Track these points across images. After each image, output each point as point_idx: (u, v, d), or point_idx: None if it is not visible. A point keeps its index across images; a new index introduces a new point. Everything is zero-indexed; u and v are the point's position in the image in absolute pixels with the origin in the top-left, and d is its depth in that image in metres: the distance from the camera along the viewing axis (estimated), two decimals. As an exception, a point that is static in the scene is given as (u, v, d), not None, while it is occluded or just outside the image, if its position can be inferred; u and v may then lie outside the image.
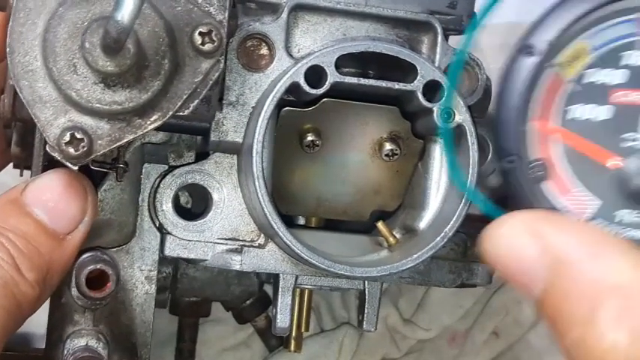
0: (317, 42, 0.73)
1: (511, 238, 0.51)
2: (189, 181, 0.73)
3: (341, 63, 0.71)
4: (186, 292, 0.93)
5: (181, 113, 0.63)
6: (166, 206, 0.72)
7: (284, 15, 0.71)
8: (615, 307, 0.47)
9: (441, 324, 1.09)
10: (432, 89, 0.71)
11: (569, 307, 0.48)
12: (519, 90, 0.57)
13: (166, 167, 0.74)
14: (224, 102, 0.71)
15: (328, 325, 1.10)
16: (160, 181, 0.73)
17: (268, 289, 0.97)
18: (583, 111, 0.56)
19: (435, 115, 0.70)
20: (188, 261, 0.76)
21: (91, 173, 0.74)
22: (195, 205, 0.78)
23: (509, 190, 0.58)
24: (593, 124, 0.55)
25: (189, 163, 0.74)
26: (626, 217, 0.55)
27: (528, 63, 0.56)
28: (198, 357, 1.01)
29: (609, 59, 0.56)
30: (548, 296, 0.49)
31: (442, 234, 0.70)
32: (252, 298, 0.97)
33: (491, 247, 0.52)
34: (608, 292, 0.47)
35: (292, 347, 0.89)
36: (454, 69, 0.62)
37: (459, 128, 0.70)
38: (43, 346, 0.72)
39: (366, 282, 0.77)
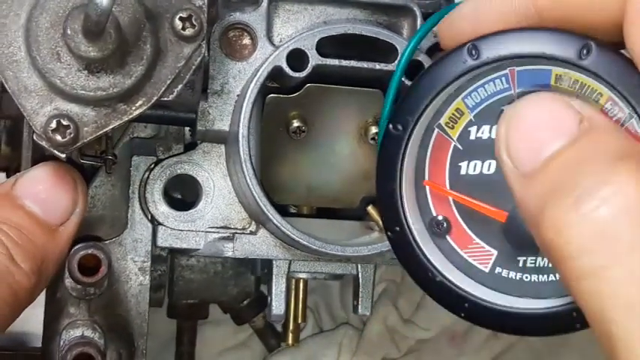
0: (298, 30, 0.74)
1: (544, 99, 0.50)
2: (178, 171, 0.74)
3: (324, 50, 0.72)
4: (183, 294, 0.93)
5: (166, 98, 0.63)
6: (157, 197, 0.73)
7: (264, 4, 0.73)
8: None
9: (441, 324, 1.09)
10: (412, 69, 0.71)
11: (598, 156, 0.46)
12: (391, 164, 0.59)
13: (155, 158, 0.74)
14: (209, 91, 0.72)
15: (327, 325, 1.10)
16: (150, 173, 0.73)
17: (266, 289, 0.97)
18: (471, 168, 0.58)
19: (417, 93, 0.71)
20: (181, 251, 0.77)
21: (84, 169, 0.75)
22: (188, 196, 0.79)
23: (398, 258, 0.61)
24: (483, 178, 0.58)
25: (177, 154, 0.74)
26: (527, 264, 0.57)
27: (397, 139, 0.59)
28: (198, 359, 1.01)
29: (488, 115, 0.58)
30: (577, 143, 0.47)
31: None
32: (249, 299, 0.97)
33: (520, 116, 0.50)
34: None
35: (290, 340, 0.89)
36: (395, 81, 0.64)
37: None
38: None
39: (359, 266, 0.78)
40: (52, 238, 0.66)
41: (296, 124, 0.75)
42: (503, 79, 0.57)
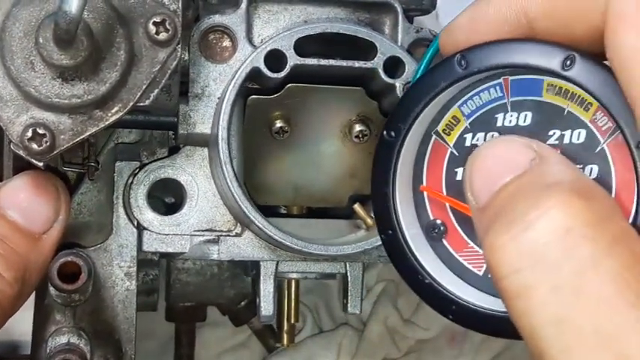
0: (279, 31, 0.74)
1: (502, 141, 0.53)
2: (162, 175, 0.74)
3: (305, 50, 0.71)
4: (181, 297, 0.94)
5: (142, 104, 0.63)
6: (141, 202, 0.73)
7: (243, 5, 0.72)
8: None
9: (441, 324, 1.09)
10: (392, 65, 0.72)
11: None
12: (384, 170, 0.61)
13: (138, 164, 0.75)
14: (189, 94, 0.72)
15: (327, 325, 1.10)
16: (133, 178, 0.73)
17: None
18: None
19: (398, 90, 0.71)
20: (167, 255, 0.77)
21: (67, 177, 0.75)
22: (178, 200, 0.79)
23: (390, 260, 0.63)
24: None
25: (161, 158, 0.74)
26: None
27: (390, 145, 0.60)
28: (198, 360, 1.02)
29: (483, 123, 0.59)
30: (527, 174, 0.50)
31: (415, 208, 0.70)
32: (246, 300, 0.98)
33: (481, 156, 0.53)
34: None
35: (285, 341, 0.89)
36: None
37: None
38: (31, 352, 0.73)
39: (348, 264, 0.78)
40: (35, 247, 0.66)
41: (279, 124, 0.75)
42: (497, 87, 0.58)
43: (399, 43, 0.74)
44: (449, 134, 0.60)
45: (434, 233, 0.61)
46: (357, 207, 0.76)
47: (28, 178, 0.67)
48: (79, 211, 0.75)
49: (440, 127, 0.60)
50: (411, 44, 0.75)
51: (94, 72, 0.61)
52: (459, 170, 0.60)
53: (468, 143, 0.59)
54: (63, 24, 0.57)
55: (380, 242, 0.71)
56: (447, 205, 0.60)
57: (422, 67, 0.64)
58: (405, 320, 1.07)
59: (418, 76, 0.63)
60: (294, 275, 0.80)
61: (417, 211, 0.62)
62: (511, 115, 0.58)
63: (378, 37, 0.72)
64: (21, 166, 0.68)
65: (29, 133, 0.60)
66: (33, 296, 0.72)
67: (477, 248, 0.60)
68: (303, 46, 0.71)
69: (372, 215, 0.76)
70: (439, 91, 0.58)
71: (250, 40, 0.73)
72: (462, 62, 0.57)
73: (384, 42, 0.71)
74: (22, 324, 0.73)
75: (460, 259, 0.60)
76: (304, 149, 0.77)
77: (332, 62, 0.71)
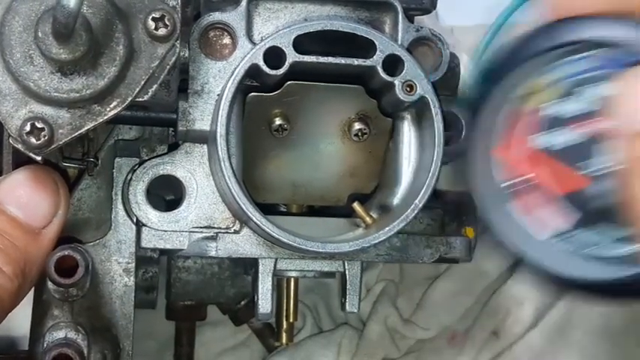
0: (279, 28, 0.74)
1: None
2: (161, 172, 0.74)
3: (305, 48, 0.72)
4: (181, 296, 0.94)
5: (141, 99, 0.64)
6: (140, 199, 0.73)
7: (244, 3, 0.73)
8: None
9: (441, 323, 1.08)
10: (392, 64, 0.72)
11: None
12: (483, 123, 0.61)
13: (138, 160, 0.75)
14: (189, 91, 0.72)
15: (327, 325, 1.09)
16: (132, 175, 0.74)
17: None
18: (542, 141, 0.60)
19: (397, 89, 0.71)
20: (165, 252, 0.77)
21: (66, 173, 0.76)
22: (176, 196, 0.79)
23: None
24: (552, 153, 0.59)
25: (160, 155, 0.75)
26: (583, 237, 0.59)
27: (476, 105, 0.61)
28: (198, 359, 1.01)
29: (566, 92, 0.59)
30: None
31: (412, 206, 0.71)
32: (246, 299, 0.98)
33: None
34: None
35: (284, 340, 0.89)
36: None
37: (422, 101, 0.71)
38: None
39: (346, 263, 0.77)
40: (34, 241, 0.67)
41: (278, 122, 0.75)
42: (588, 60, 0.58)
43: (399, 42, 0.74)
44: (532, 100, 0.60)
45: (506, 193, 0.60)
46: (356, 205, 0.76)
47: (27, 173, 0.67)
48: (78, 207, 0.75)
49: (522, 93, 0.60)
50: (411, 43, 0.75)
51: (93, 66, 0.62)
52: (539, 136, 0.59)
53: (550, 111, 0.59)
54: (62, 18, 0.57)
55: (377, 240, 0.71)
56: (521, 169, 0.60)
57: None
58: (404, 320, 1.07)
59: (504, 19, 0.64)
60: (293, 273, 0.80)
61: (492, 172, 0.61)
62: (597, 88, 0.57)
63: (377, 35, 0.72)
64: (20, 160, 0.69)
65: (28, 127, 0.61)
66: (31, 291, 0.72)
67: (544, 215, 0.60)
68: (303, 45, 0.71)
69: (371, 214, 0.76)
70: (532, 55, 0.58)
71: (250, 38, 0.73)
72: (558, 30, 0.57)
73: (383, 40, 0.71)
74: (20, 319, 0.74)
75: (524, 223, 0.60)
76: (303, 147, 0.77)
77: (331, 60, 0.71)
